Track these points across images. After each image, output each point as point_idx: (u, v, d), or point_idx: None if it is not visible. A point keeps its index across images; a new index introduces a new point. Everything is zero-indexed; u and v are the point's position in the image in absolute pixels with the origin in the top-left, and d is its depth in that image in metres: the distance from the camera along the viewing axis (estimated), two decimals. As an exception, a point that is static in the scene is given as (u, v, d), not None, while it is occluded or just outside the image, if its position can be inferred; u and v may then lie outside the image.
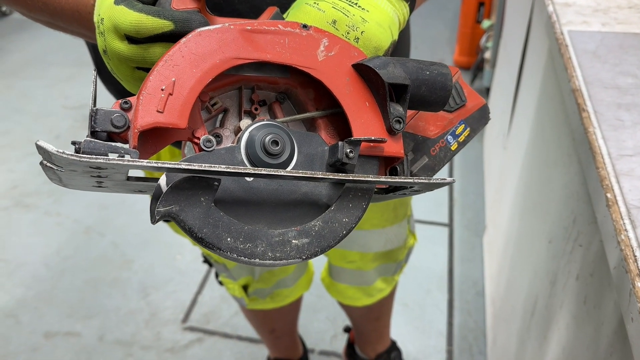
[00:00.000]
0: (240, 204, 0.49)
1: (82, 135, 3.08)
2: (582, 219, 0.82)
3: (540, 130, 1.24)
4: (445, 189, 2.56)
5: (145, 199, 2.43)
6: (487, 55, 2.99)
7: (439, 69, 0.54)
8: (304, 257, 0.48)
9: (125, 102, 0.46)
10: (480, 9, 3.32)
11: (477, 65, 3.20)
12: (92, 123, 0.44)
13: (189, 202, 0.45)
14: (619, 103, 0.79)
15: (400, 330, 1.87)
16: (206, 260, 1.23)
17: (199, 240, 0.46)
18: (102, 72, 0.89)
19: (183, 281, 2.14)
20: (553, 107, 1.10)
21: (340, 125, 0.55)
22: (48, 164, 0.41)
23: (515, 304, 1.33)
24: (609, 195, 0.62)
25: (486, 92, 3.11)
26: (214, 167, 0.43)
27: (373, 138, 0.51)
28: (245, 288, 1.26)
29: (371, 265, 1.25)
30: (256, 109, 0.54)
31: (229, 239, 0.46)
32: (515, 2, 2.11)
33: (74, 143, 0.43)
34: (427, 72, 0.53)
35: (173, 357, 1.85)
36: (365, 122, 0.52)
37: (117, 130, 0.45)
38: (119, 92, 0.88)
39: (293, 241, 0.48)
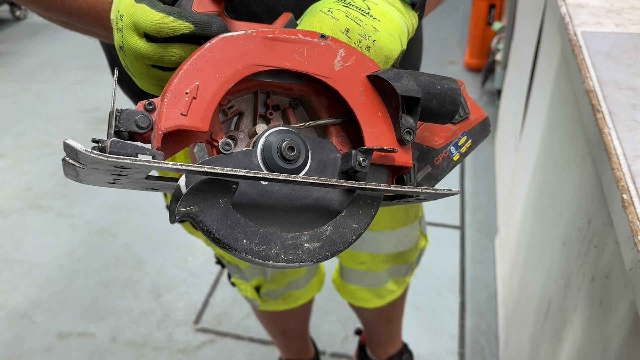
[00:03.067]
0: (255, 206, 0.50)
1: (96, 137, 3.10)
2: (597, 220, 0.81)
3: (553, 132, 1.24)
4: (457, 191, 2.55)
5: (158, 201, 2.44)
6: (498, 57, 2.98)
7: (449, 84, 0.55)
8: (315, 261, 0.49)
9: (149, 104, 0.46)
10: (491, 10, 3.31)
11: (488, 67, 3.19)
12: (117, 123, 0.45)
13: (207, 203, 0.46)
14: (634, 104, 0.78)
15: (411, 332, 1.86)
16: (219, 262, 1.24)
17: (215, 240, 0.47)
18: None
19: (195, 282, 2.15)
20: (566, 109, 1.09)
21: (352, 133, 0.57)
22: (71, 161, 0.41)
23: (528, 306, 1.32)
24: (625, 196, 0.62)
25: (497, 94, 3.10)
26: (236, 171, 0.44)
27: (385, 148, 0.52)
28: (257, 289, 1.26)
29: (382, 267, 1.25)
30: (271, 114, 0.55)
31: (244, 241, 0.47)
32: (526, 3, 2.10)
33: (95, 141, 0.44)
34: (438, 87, 0.55)
35: (185, 358, 1.86)
36: (377, 131, 0.53)
37: (140, 131, 0.45)
38: (134, 93, 0.89)
39: (305, 245, 0.49)
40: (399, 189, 0.52)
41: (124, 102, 0.93)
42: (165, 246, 2.33)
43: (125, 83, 0.90)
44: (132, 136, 0.46)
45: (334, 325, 1.95)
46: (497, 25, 3.10)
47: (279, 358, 1.72)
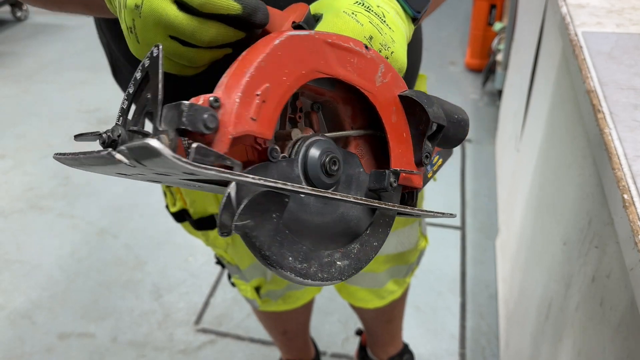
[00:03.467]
0: (294, 221, 0.47)
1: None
2: (597, 220, 0.81)
3: (554, 132, 1.24)
4: (457, 192, 2.55)
5: (158, 202, 2.44)
6: (499, 57, 2.98)
7: (463, 115, 0.57)
8: (343, 278, 0.48)
9: (216, 100, 0.40)
10: (492, 11, 3.31)
11: (488, 68, 3.19)
12: (183, 119, 0.38)
13: (263, 217, 0.43)
14: (634, 104, 0.78)
15: (412, 333, 1.86)
16: (219, 262, 1.24)
17: (264, 257, 0.43)
18: (117, 74, 0.89)
19: (195, 283, 2.15)
20: (567, 109, 1.09)
21: (369, 147, 0.56)
22: (124, 159, 0.35)
23: (528, 306, 1.32)
24: (625, 196, 0.62)
25: (498, 94, 3.10)
26: (307, 189, 0.41)
27: (415, 171, 0.53)
28: (257, 289, 1.26)
29: (382, 267, 1.25)
30: (300, 117, 0.53)
31: (290, 258, 0.44)
32: (527, 4, 2.10)
33: (97, 135, 0.40)
34: (456, 116, 0.56)
35: (185, 359, 1.86)
36: (401, 152, 0.53)
37: (207, 132, 0.39)
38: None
39: (337, 262, 0.48)
40: (423, 212, 0.54)
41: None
42: (166, 247, 2.33)
43: (126, 83, 0.89)
44: (184, 132, 0.40)
45: (334, 325, 1.95)
46: (497, 26, 3.10)
47: (280, 358, 1.72)
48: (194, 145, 0.37)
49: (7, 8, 4.90)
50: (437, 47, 3.99)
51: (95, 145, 0.39)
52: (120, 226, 2.46)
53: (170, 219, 1.09)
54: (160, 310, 2.04)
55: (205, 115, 0.39)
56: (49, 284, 2.17)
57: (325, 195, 0.43)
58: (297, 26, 0.52)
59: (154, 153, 0.33)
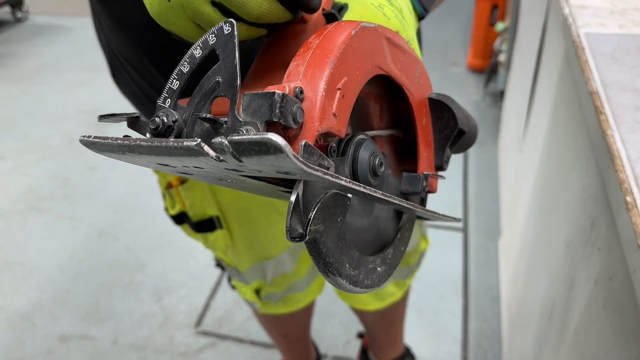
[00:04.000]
0: (346, 225, 0.45)
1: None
2: (600, 222, 0.80)
3: (557, 134, 1.23)
4: (460, 194, 2.54)
5: (158, 203, 2.44)
6: (502, 58, 2.97)
7: (475, 122, 0.58)
8: (381, 285, 0.47)
9: (301, 92, 0.36)
10: (494, 11, 3.30)
11: (491, 68, 3.19)
12: (275, 111, 0.33)
13: (331, 222, 0.39)
14: (637, 105, 0.77)
15: (414, 336, 1.85)
16: (219, 264, 1.23)
17: (326, 265, 0.40)
18: (116, 75, 0.89)
19: (196, 285, 2.15)
20: (570, 110, 1.08)
21: (391, 147, 0.55)
22: (210, 152, 0.30)
23: (531, 309, 1.31)
24: (628, 198, 0.61)
25: (500, 95, 3.09)
26: (387, 195, 0.39)
27: (438, 175, 0.53)
28: (257, 292, 1.25)
29: (383, 269, 1.24)
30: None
31: (347, 265, 0.41)
32: (529, 4, 2.09)
33: (150, 127, 0.35)
34: (472, 123, 0.56)
35: (186, 361, 1.85)
36: (427, 156, 0.53)
37: (294, 127, 0.35)
38: (134, 94, 0.88)
39: (378, 269, 0.46)
40: (442, 216, 0.54)
41: (124, 104, 0.93)
42: (167, 249, 2.32)
43: (124, 84, 0.89)
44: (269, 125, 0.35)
45: (336, 328, 1.94)
46: (500, 26, 3.09)
47: (281, 361, 1.71)
48: (302, 142, 0.34)
49: (7, 9, 4.91)
50: (439, 47, 3.98)
51: (118, 128, 0.34)
52: (120, 228, 2.46)
53: (171, 222, 1.09)
54: (160, 313, 2.03)
55: (294, 108, 0.35)
56: (50, 285, 2.17)
57: (394, 201, 0.41)
58: (327, 14, 0.49)
59: (273, 150, 0.28)
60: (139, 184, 2.69)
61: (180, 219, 1.03)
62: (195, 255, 2.27)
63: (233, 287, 1.29)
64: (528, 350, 1.29)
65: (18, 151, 3.06)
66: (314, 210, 0.37)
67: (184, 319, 2.00)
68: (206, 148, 0.30)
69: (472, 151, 2.82)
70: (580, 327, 0.86)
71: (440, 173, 0.59)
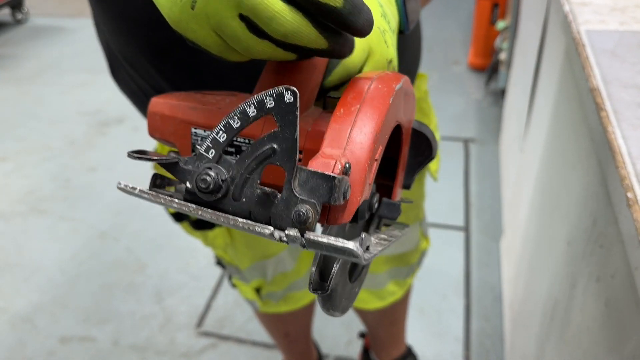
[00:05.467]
0: None
1: (97, 140, 3.10)
2: (602, 220, 0.80)
3: (558, 132, 1.22)
4: (461, 193, 2.54)
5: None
6: (502, 56, 2.97)
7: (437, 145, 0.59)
8: (352, 303, 0.48)
9: (350, 167, 0.35)
10: (494, 10, 3.29)
11: (492, 67, 3.18)
12: (335, 195, 0.33)
13: (342, 271, 0.40)
14: (638, 102, 0.77)
15: (416, 335, 1.85)
16: (219, 262, 1.23)
17: (332, 306, 0.40)
18: (115, 72, 0.89)
19: (197, 286, 2.14)
20: (571, 108, 1.08)
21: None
22: (294, 244, 0.32)
23: (534, 308, 1.31)
24: (629, 195, 0.61)
25: (501, 94, 3.08)
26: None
27: (411, 200, 0.55)
28: (258, 291, 1.25)
29: (382, 268, 1.24)
30: None
31: (343, 299, 0.42)
32: (530, 2, 2.09)
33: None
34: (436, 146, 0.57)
35: (187, 362, 1.85)
36: (401, 179, 0.53)
37: (342, 203, 0.34)
38: (133, 92, 0.88)
39: (356, 289, 0.46)
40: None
41: (123, 105, 0.92)
42: (167, 250, 2.32)
43: (124, 83, 0.89)
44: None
45: (337, 328, 1.94)
46: (500, 25, 3.09)
47: (282, 361, 1.71)
48: (363, 236, 0.34)
49: (7, 10, 4.91)
50: (440, 46, 3.98)
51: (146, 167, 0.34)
52: (121, 229, 2.45)
53: (172, 222, 1.08)
54: (161, 314, 2.03)
55: (346, 187, 0.34)
56: (50, 287, 2.17)
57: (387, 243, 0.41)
58: None
59: (348, 254, 0.30)
60: (139, 185, 2.68)
61: (179, 216, 1.03)
62: (196, 256, 2.27)
63: (233, 286, 1.29)
64: (530, 350, 1.29)
65: (18, 152, 3.06)
66: (335, 269, 0.38)
67: (185, 320, 2.00)
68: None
69: (473, 150, 2.81)
70: (583, 325, 0.86)
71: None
